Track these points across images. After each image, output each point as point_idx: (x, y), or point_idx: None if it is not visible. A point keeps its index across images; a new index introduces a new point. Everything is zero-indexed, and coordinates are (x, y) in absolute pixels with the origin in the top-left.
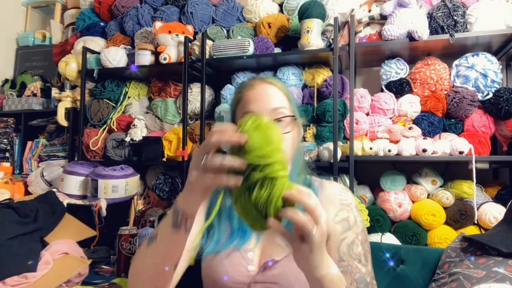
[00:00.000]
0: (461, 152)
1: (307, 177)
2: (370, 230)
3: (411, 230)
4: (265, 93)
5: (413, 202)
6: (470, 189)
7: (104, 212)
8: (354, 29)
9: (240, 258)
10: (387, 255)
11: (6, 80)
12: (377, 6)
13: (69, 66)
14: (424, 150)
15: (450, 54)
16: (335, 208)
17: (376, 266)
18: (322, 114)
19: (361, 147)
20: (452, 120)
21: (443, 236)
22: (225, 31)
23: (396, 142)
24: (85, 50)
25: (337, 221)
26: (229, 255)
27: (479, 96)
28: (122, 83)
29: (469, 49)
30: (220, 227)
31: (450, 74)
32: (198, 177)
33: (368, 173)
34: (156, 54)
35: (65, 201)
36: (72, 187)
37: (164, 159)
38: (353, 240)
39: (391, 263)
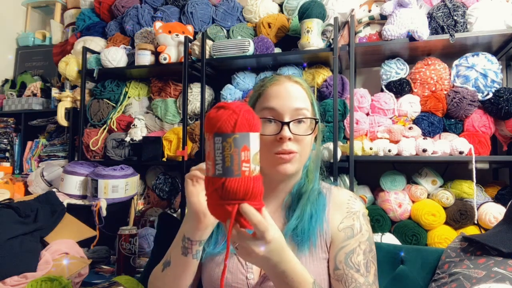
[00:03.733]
0: (461, 152)
1: (318, 184)
2: None
3: (411, 230)
4: (290, 91)
5: (413, 202)
6: (470, 189)
7: (104, 212)
8: (354, 29)
9: (239, 265)
10: (387, 255)
11: (6, 80)
12: (377, 6)
13: (69, 66)
14: (424, 150)
15: (450, 54)
16: (341, 215)
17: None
18: (322, 114)
19: (361, 147)
20: (452, 120)
21: (443, 236)
22: (225, 31)
23: (396, 142)
24: (85, 50)
25: (341, 229)
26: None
27: (479, 96)
28: (122, 83)
29: (469, 49)
30: (218, 228)
31: (450, 74)
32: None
33: (368, 173)
34: (156, 54)
35: (65, 201)
36: (72, 187)
37: (164, 159)
38: (354, 248)
39: (391, 263)
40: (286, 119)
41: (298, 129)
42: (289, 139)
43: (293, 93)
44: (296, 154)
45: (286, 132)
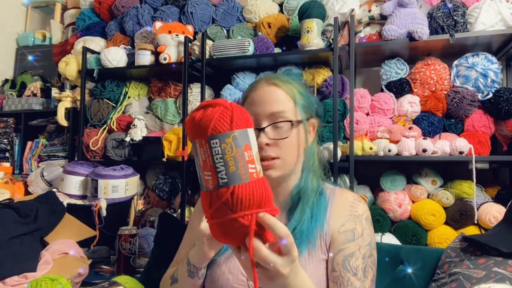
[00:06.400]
0: (461, 152)
1: (319, 185)
2: None
3: (411, 230)
4: (266, 95)
5: (413, 202)
6: (470, 189)
7: (104, 212)
8: (354, 29)
9: (240, 266)
10: (387, 255)
11: (6, 80)
12: (377, 6)
13: (69, 66)
14: (424, 150)
15: (450, 54)
16: (343, 218)
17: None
18: (321, 114)
19: (361, 147)
20: (452, 120)
21: (443, 236)
22: (225, 31)
23: (396, 142)
24: (85, 50)
25: (342, 231)
26: (228, 260)
27: (479, 96)
28: (122, 83)
29: (469, 49)
30: None
31: (450, 74)
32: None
33: (368, 173)
34: (156, 54)
35: (65, 201)
36: (72, 187)
37: (164, 159)
38: (353, 252)
39: (391, 263)
40: (264, 125)
41: (277, 133)
42: (267, 144)
43: (269, 97)
44: (277, 160)
45: (261, 138)
